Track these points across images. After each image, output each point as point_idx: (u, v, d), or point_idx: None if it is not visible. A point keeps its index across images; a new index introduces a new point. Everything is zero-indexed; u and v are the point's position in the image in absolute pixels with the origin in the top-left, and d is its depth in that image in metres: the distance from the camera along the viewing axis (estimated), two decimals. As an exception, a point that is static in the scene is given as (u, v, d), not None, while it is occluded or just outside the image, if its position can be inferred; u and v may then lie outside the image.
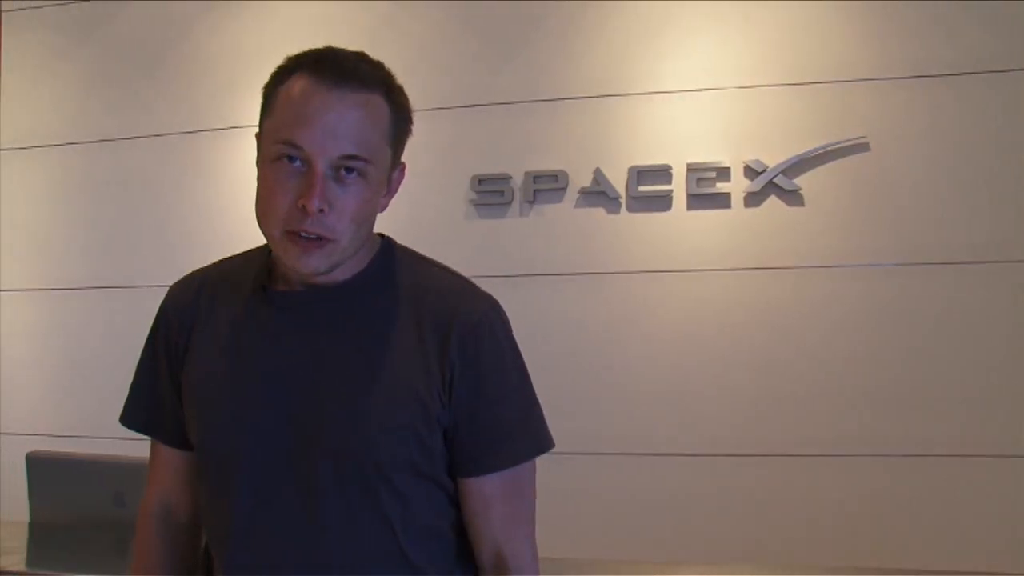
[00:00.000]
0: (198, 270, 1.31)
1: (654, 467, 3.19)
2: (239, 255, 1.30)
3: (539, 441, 1.21)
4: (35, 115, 4.04)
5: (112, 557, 1.85)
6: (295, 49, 4.02)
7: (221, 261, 1.31)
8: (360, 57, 1.15)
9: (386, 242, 1.25)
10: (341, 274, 1.17)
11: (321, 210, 1.07)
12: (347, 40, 3.93)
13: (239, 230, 3.70)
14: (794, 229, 3.18)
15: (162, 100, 3.86)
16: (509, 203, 3.37)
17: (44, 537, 2.05)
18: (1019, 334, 3.00)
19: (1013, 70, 3.06)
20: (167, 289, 1.31)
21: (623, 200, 3.31)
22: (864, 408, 3.07)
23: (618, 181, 3.31)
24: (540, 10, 3.45)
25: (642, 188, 3.29)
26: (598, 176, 3.32)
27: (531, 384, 1.22)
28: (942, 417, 3.02)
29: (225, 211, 3.72)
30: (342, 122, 1.08)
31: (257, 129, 1.17)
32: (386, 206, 1.19)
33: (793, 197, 3.18)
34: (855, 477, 3.05)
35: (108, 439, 3.67)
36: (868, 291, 3.11)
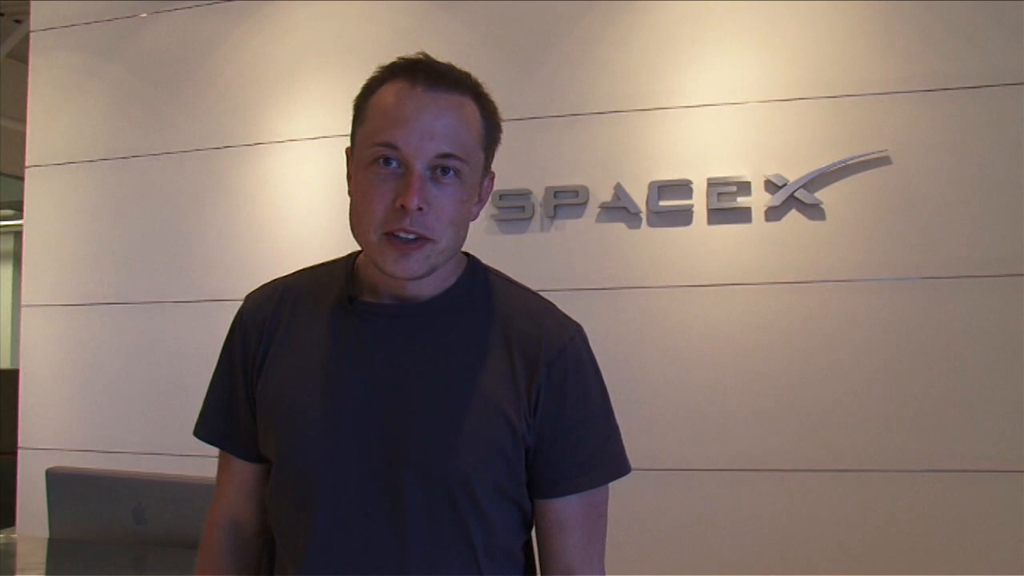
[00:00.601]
0: (278, 279, 1.29)
1: (673, 482, 3.17)
2: (320, 265, 1.28)
3: (618, 465, 1.21)
4: (62, 133, 4.10)
5: (131, 573, 1.85)
6: (318, 67, 4.09)
7: (302, 270, 1.29)
8: (450, 64, 1.16)
9: (473, 260, 1.25)
10: (430, 289, 1.17)
11: (420, 209, 1.07)
12: (368, 58, 3.95)
13: (263, 247, 3.75)
14: (815, 243, 3.16)
15: (187, 117, 3.90)
16: (530, 218, 3.38)
17: (64, 552, 2.06)
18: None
19: (1037, 83, 3.04)
20: (245, 297, 1.29)
21: (644, 215, 3.31)
22: (886, 423, 3.03)
23: (639, 196, 3.31)
24: (561, 26, 3.46)
25: (663, 203, 3.28)
26: (619, 191, 3.32)
27: (612, 409, 1.23)
28: (967, 432, 2.98)
29: (250, 228, 3.74)
30: (438, 122, 1.09)
31: (348, 143, 1.18)
32: (478, 215, 1.19)
33: (814, 211, 3.17)
34: (878, 492, 3.01)
35: (128, 454, 3.72)
36: (890, 305, 3.08)
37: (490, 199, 3.37)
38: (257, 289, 1.29)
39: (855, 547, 2.98)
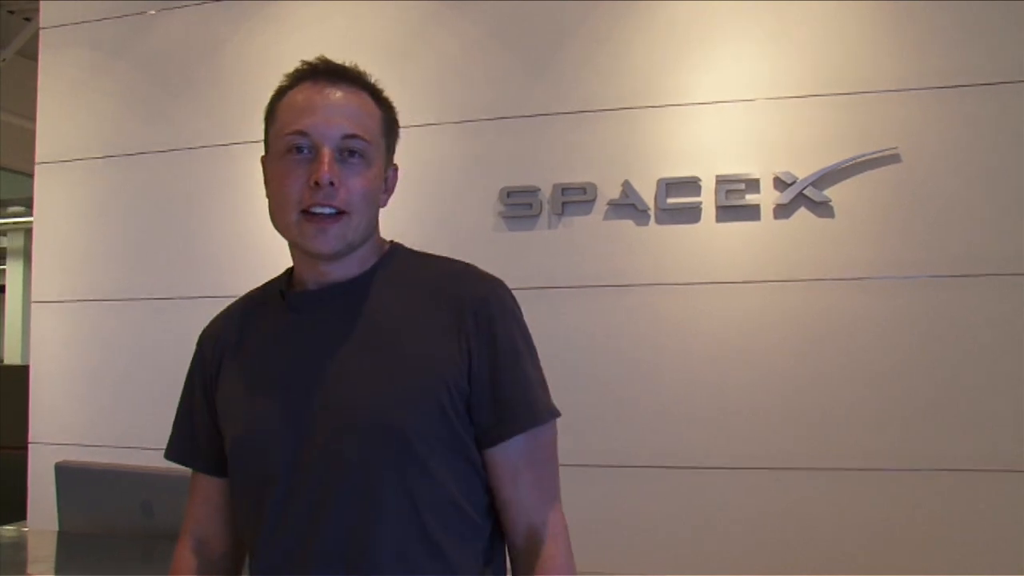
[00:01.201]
0: (228, 306, 1.39)
1: (682, 480, 3.16)
2: (261, 284, 1.37)
3: (552, 406, 1.25)
4: (71, 130, 4.12)
5: (139, 566, 1.86)
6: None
7: (247, 293, 1.39)
8: (348, 66, 1.26)
9: (395, 245, 1.32)
10: (355, 268, 1.24)
11: (332, 183, 1.16)
12: (379, 55, 3.99)
13: (272, 243, 3.74)
14: (824, 241, 3.15)
15: (196, 114, 3.91)
16: (538, 215, 3.37)
17: (73, 546, 2.07)
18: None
19: (1047, 80, 3.02)
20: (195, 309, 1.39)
21: (652, 212, 3.30)
22: (895, 421, 3.02)
23: (647, 193, 3.30)
24: (570, 23, 3.45)
25: (671, 200, 3.28)
26: (627, 188, 3.31)
27: (537, 355, 1.28)
28: (978, 431, 2.96)
29: (258, 224, 3.74)
30: (342, 109, 1.20)
31: (264, 147, 1.28)
32: (386, 203, 1.28)
33: (823, 209, 3.15)
34: (885, 491, 3.00)
35: (136, 449, 3.74)
36: (899, 304, 3.07)
37: (497, 196, 3.42)
38: (213, 319, 1.39)
39: (862, 546, 2.98)
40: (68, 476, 2.24)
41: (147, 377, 3.86)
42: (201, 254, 3.85)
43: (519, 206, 3.38)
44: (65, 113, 4.14)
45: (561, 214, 3.36)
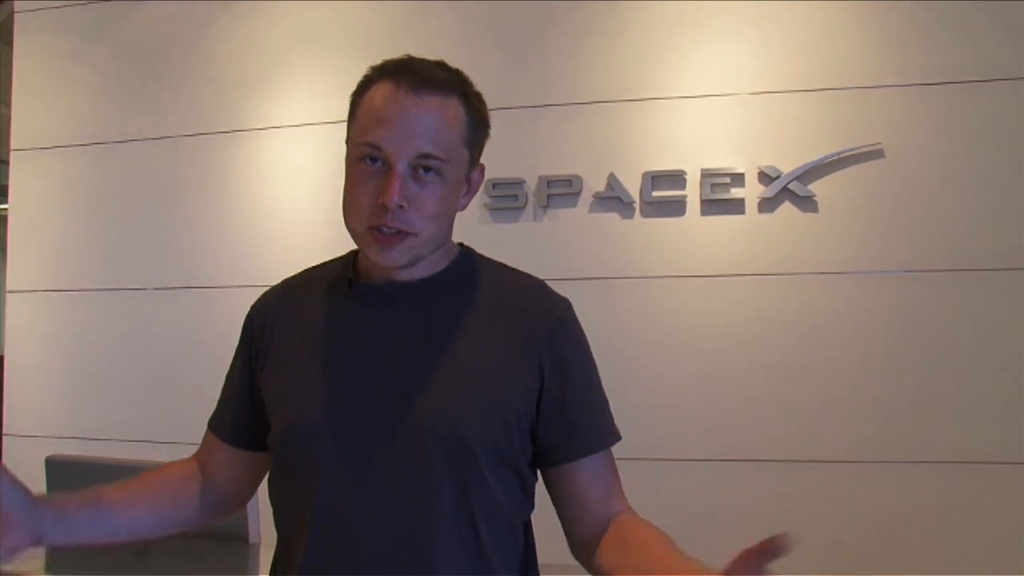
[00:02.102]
0: (285, 279, 1.37)
1: (665, 472, 3.17)
2: (324, 263, 1.35)
3: (615, 428, 1.28)
4: (48, 117, 4.05)
5: (131, 561, 1.83)
6: (309, 53, 4.05)
7: (307, 269, 1.37)
8: (438, 65, 1.21)
9: (465, 248, 1.31)
10: (422, 272, 1.23)
11: (400, 206, 1.14)
12: (362, 43, 3.94)
13: (251, 233, 3.72)
14: (808, 235, 3.16)
15: (175, 102, 3.86)
16: (523, 208, 3.36)
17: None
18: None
19: (1027, 78, 3.05)
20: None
21: (637, 205, 3.30)
22: (878, 415, 3.05)
23: (632, 186, 3.30)
24: (556, 15, 3.43)
25: (656, 193, 3.27)
26: (612, 181, 3.31)
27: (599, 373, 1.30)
28: (959, 424, 3.00)
29: (238, 214, 3.71)
30: (419, 124, 1.15)
31: (345, 135, 1.24)
32: (466, 205, 1.26)
33: (807, 203, 3.17)
34: (869, 484, 3.03)
35: (115, 441, 3.70)
36: (882, 298, 3.09)
37: (482, 188, 3.39)
38: (267, 289, 1.37)
39: (850, 538, 2.99)
40: (58, 470, 2.21)
41: (124, 368, 3.82)
42: (179, 244, 3.80)
43: (504, 198, 3.37)
44: (42, 99, 4.07)
45: (546, 206, 3.35)
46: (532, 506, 1.27)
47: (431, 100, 1.16)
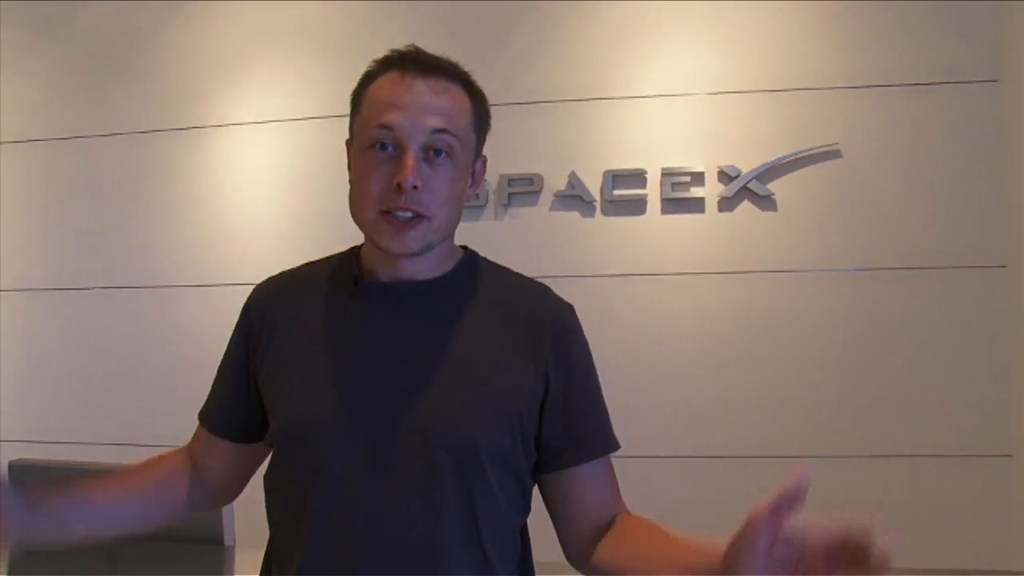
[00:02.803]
0: (285, 271, 1.34)
1: (627, 470, 3.17)
2: (323, 258, 1.33)
3: (614, 435, 1.30)
4: (-4, 112, 3.95)
5: (98, 563, 1.79)
6: (267, 50, 3.97)
7: (308, 263, 1.34)
8: (439, 56, 1.22)
9: (469, 251, 1.31)
10: (428, 271, 1.22)
11: (415, 187, 1.12)
12: (321, 41, 3.89)
13: (207, 232, 3.66)
14: (767, 234, 3.19)
15: (129, 98, 3.78)
16: (484, 206, 3.35)
17: (29, 548, 1.98)
18: (992, 338, 3.04)
19: (982, 81, 3.10)
20: (253, 288, 1.34)
21: (598, 204, 3.30)
22: (839, 411, 3.09)
23: (593, 185, 3.30)
24: (517, 13, 3.43)
25: (617, 192, 3.28)
26: (573, 180, 3.31)
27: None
28: (918, 419, 3.05)
29: (194, 212, 3.65)
30: (431, 104, 1.15)
31: (348, 136, 1.23)
32: (471, 197, 1.25)
33: (766, 202, 3.20)
34: (833, 479, 3.05)
35: (82, 444, 3.62)
36: (840, 296, 3.13)
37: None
38: (264, 280, 1.34)
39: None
40: (22, 474, 2.15)
41: (75, 369, 3.75)
42: (132, 242, 3.72)
43: (465, 196, 3.34)
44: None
45: (507, 205, 3.34)
46: (529, 510, 1.27)
47: (439, 83, 1.17)
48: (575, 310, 1.29)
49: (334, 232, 3.46)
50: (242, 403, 1.28)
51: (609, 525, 1.23)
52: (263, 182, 3.59)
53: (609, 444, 1.26)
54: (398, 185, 1.12)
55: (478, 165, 1.25)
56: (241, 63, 3.66)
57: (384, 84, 1.17)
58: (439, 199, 1.15)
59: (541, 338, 1.21)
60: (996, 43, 3.10)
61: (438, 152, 1.15)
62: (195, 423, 1.37)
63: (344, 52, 3.46)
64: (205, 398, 1.36)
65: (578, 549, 1.24)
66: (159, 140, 3.72)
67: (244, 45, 3.66)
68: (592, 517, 1.23)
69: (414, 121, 1.14)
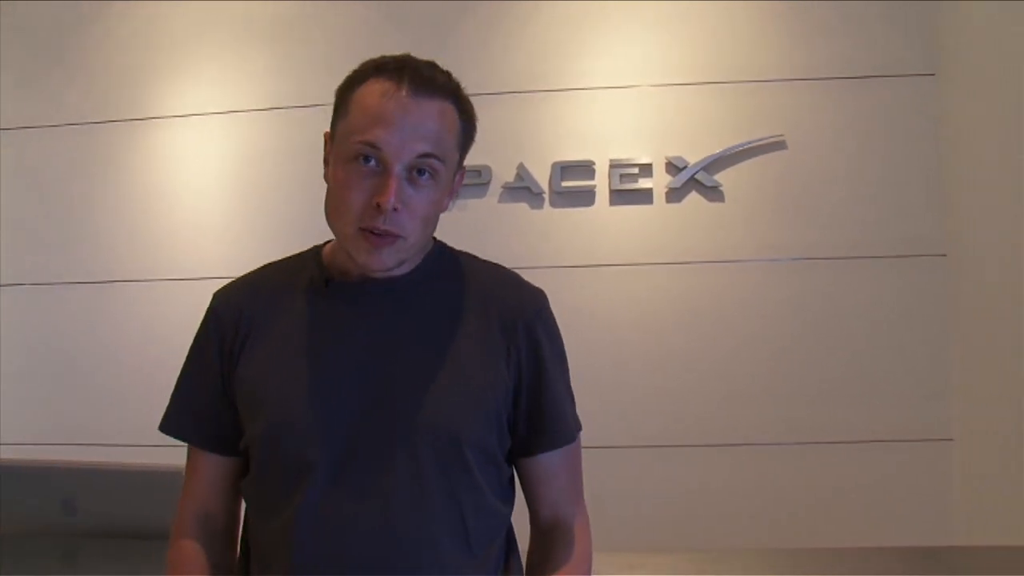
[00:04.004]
0: (246, 275, 1.33)
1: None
2: (284, 259, 1.33)
3: (579, 421, 1.31)
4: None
5: (59, 566, 1.75)
6: (213, 40, 3.91)
7: (267, 265, 1.33)
8: (434, 67, 1.20)
9: (439, 242, 1.31)
10: (400, 268, 1.22)
11: (395, 209, 1.12)
12: (268, 33, 3.83)
13: (152, 225, 3.59)
14: (715, 224, 3.22)
15: (70, 88, 3.69)
16: (432, 198, 3.33)
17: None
18: (933, 325, 3.11)
19: (922, 75, 3.17)
20: (213, 295, 1.30)
21: (547, 195, 3.31)
22: (787, 398, 3.14)
23: (542, 176, 3.31)
24: (463, 6, 3.42)
25: (565, 183, 3.29)
26: (521, 171, 3.31)
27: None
28: (862, 405, 3.11)
29: (137, 205, 3.58)
30: (420, 127, 1.14)
31: (328, 129, 1.22)
32: (448, 207, 1.25)
33: (714, 193, 3.23)
34: (776, 466, 3.11)
35: (51, 445, 3.53)
36: (787, 285, 3.18)
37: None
38: (226, 286, 1.32)
39: (767, 519, 3.07)
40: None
41: (21, 368, 3.66)
42: (72, 235, 3.63)
43: (413, 188, 3.32)
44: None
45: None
46: (513, 500, 1.28)
47: (432, 104, 1.15)
48: (547, 296, 1.30)
49: (279, 225, 3.45)
50: (226, 413, 1.24)
51: (557, 525, 1.25)
52: (206, 174, 3.53)
53: (569, 435, 1.28)
54: (378, 205, 1.12)
55: (457, 177, 1.25)
56: (182, 54, 3.59)
57: (375, 92, 1.15)
58: (417, 220, 1.15)
59: (513, 326, 1.22)
60: (933, 38, 3.18)
61: (421, 172, 1.15)
62: (142, 420, 1.32)
63: (289, 44, 3.42)
64: (176, 410, 1.30)
65: (533, 526, 1.28)
66: (99, 132, 3.64)
67: (186, 36, 3.59)
68: (538, 501, 1.27)
69: (402, 142, 1.13)
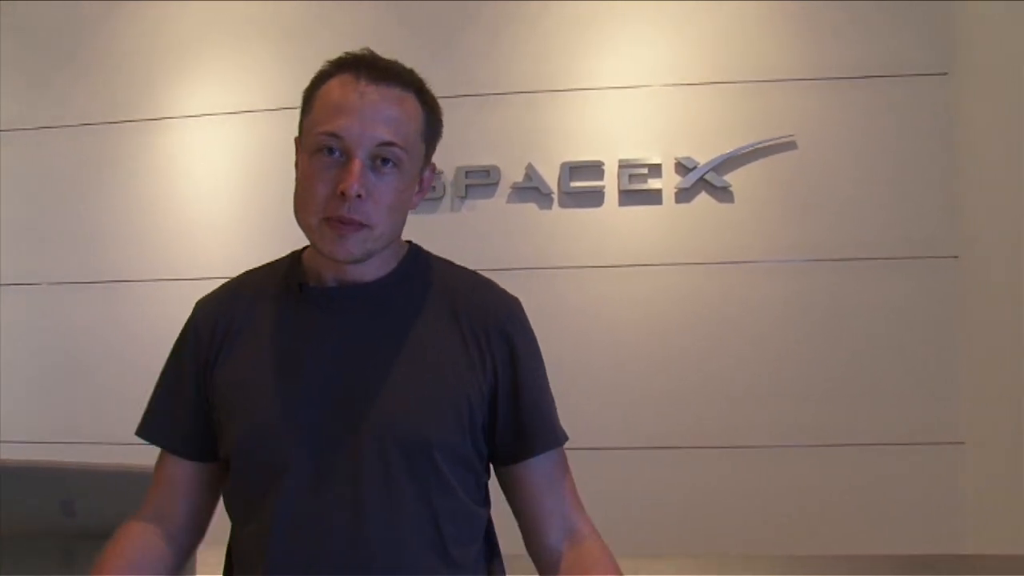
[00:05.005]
0: (227, 282, 1.33)
1: (585, 461, 3.17)
2: (262, 266, 1.32)
3: (561, 426, 1.29)
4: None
5: (58, 567, 1.75)
6: (221, 41, 3.90)
7: (245, 273, 1.33)
8: (394, 61, 1.20)
9: (414, 246, 1.30)
10: (373, 272, 1.22)
11: (359, 196, 1.12)
12: (275, 35, 3.82)
13: (156, 223, 3.59)
14: (724, 225, 3.21)
15: (79, 89, 3.70)
16: (441, 198, 3.33)
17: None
18: (944, 327, 3.08)
19: (934, 74, 3.15)
20: (195, 304, 1.32)
21: (555, 196, 3.30)
22: (796, 400, 3.12)
23: (550, 177, 3.29)
24: (474, 6, 3.41)
25: (574, 184, 3.28)
26: (530, 172, 3.30)
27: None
28: (873, 408, 3.09)
29: (145, 205, 3.59)
30: (380, 113, 1.14)
31: (297, 133, 1.22)
32: (417, 204, 1.24)
33: (723, 194, 3.21)
34: (794, 467, 3.09)
35: (48, 444, 3.53)
36: (796, 286, 3.16)
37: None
38: (207, 295, 1.32)
39: (770, 522, 3.05)
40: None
41: (26, 367, 3.66)
42: (82, 237, 3.64)
43: (422, 189, 3.32)
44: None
45: (464, 197, 3.32)
46: (489, 502, 1.27)
47: (391, 91, 1.16)
48: (521, 304, 1.29)
49: (288, 225, 3.42)
50: (202, 420, 1.25)
51: (568, 534, 1.23)
52: (216, 174, 3.53)
53: (556, 438, 1.26)
54: (342, 192, 1.11)
55: (426, 173, 1.24)
56: (192, 54, 3.59)
57: (336, 87, 1.16)
58: (382, 209, 1.14)
59: (488, 333, 1.21)
60: (946, 37, 3.15)
61: (385, 161, 1.15)
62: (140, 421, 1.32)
63: (298, 44, 3.42)
64: (151, 416, 1.30)
65: (534, 545, 1.25)
66: (109, 132, 3.64)
67: (194, 36, 3.59)
68: (545, 512, 1.24)
69: (363, 130, 1.13)
